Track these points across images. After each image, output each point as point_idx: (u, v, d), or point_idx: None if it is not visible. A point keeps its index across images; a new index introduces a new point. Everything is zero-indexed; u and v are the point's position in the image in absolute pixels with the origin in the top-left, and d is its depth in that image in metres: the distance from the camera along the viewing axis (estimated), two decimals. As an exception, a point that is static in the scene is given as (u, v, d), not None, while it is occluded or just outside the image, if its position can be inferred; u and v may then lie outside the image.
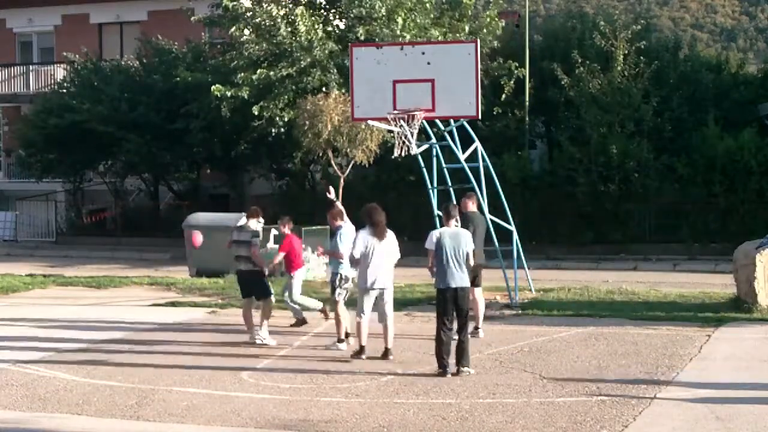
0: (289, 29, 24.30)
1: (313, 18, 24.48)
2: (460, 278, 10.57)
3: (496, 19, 26.19)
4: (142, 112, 28.28)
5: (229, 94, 24.09)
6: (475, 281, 12.38)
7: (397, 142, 15.70)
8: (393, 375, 10.73)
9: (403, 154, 15.67)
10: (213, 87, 24.11)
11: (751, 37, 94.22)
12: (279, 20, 24.31)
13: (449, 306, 10.55)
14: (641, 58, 26.11)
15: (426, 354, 11.57)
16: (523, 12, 30.24)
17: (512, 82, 26.52)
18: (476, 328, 12.84)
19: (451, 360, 10.57)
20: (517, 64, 26.19)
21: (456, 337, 10.63)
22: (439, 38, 24.37)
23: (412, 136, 15.32)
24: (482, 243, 13.37)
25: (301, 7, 24.46)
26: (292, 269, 13.74)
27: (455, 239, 10.68)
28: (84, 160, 31.23)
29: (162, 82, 28.92)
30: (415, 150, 15.64)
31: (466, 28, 25.42)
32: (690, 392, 9.74)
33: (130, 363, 11.61)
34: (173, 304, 16.77)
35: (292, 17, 24.40)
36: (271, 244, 21.15)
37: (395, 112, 15.33)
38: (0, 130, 36.60)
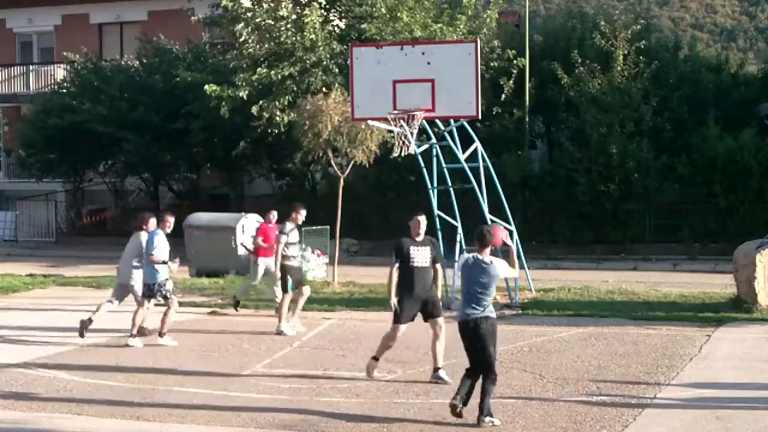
0: (292, 29, 24.31)
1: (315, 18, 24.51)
2: (483, 310, 8.85)
3: (490, 12, 26.30)
4: (142, 112, 28.26)
5: (225, 94, 24.08)
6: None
7: (396, 142, 15.71)
8: (393, 375, 10.73)
9: (403, 153, 15.66)
10: (206, 86, 24.06)
11: (751, 37, 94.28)
12: (283, 20, 24.31)
13: (467, 341, 8.89)
14: (641, 58, 26.11)
15: (426, 354, 11.56)
16: (523, 12, 30.24)
17: (512, 81, 26.54)
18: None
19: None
20: (515, 52, 26.20)
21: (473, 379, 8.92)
22: (440, 33, 24.41)
23: (411, 135, 15.32)
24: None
25: (315, 5, 24.44)
26: None
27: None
28: (84, 160, 31.25)
29: (162, 82, 28.91)
30: (414, 149, 15.64)
31: (464, 18, 25.43)
32: (690, 392, 9.75)
33: (130, 363, 11.61)
34: (173, 304, 16.73)
35: (295, 16, 24.41)
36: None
37: (395, 112, 15.33)
38: (0, 130, 36.61)
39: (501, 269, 9.02)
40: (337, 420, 8.89)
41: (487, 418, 8.63)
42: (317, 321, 14.55)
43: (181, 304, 16.60)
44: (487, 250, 9.01)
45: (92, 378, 10.78)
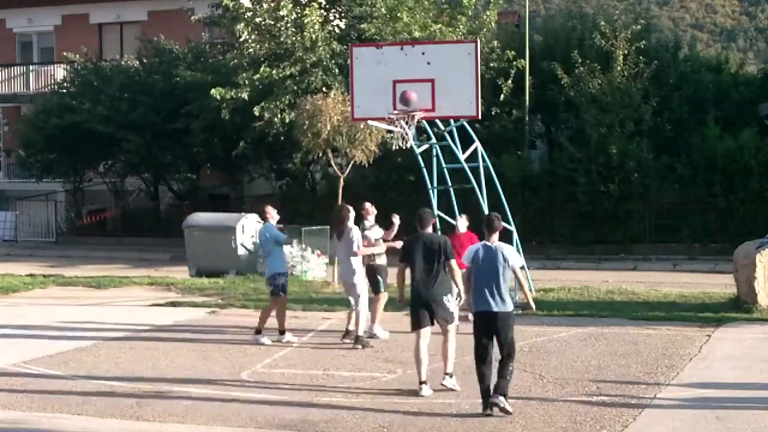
0: (293, 29, 24.32)
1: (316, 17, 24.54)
2: (502, 302, 9.06)
3: (490, 12, 26.35)
4: (142, 112, 28.28)
5: (228, 95, 24.10)
6: None
7: (396, 139, 15.78)
8: (393, 375, 10.73)
9: (403, 147, 15.72)
10: (213, 90, 24.11)
11: (751, 37, 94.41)
12: (283, 20, 24.32)
13: (483, 334, 9.09)
14: (641, 58, 26.12)
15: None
16: (523, 12, 30.25)
17: (511, 81, 26.55)
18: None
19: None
20: (515, 54, 26.22)
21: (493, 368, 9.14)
22: (439, 33, 24.44)
23: (410, 128, 15.36)
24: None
25: (315, 5, 24.45)
26: None
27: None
28: (84, 161, 31.27)
29: (162, 82, 28.93)
30: (414, 149, 15.66)
31: (463, 19, 25.46)
32: (690, 392, 9.75)
33: (130, 363, 11.61)
34: (173, 304, 16.74)
35: (295, 16, 24.42)
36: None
37: (395, 112, 15.33)
38: (0, 130, 36.61)
39: (512, 255, 9.10)
40: (337, 420, 8.89)
41: (501, 398, 8.83)
42: (317, 321, 14.55)
43: (181, 304, 16.71)
44: (495, 236, 9.17)
45: (92, 378, 10.77)
